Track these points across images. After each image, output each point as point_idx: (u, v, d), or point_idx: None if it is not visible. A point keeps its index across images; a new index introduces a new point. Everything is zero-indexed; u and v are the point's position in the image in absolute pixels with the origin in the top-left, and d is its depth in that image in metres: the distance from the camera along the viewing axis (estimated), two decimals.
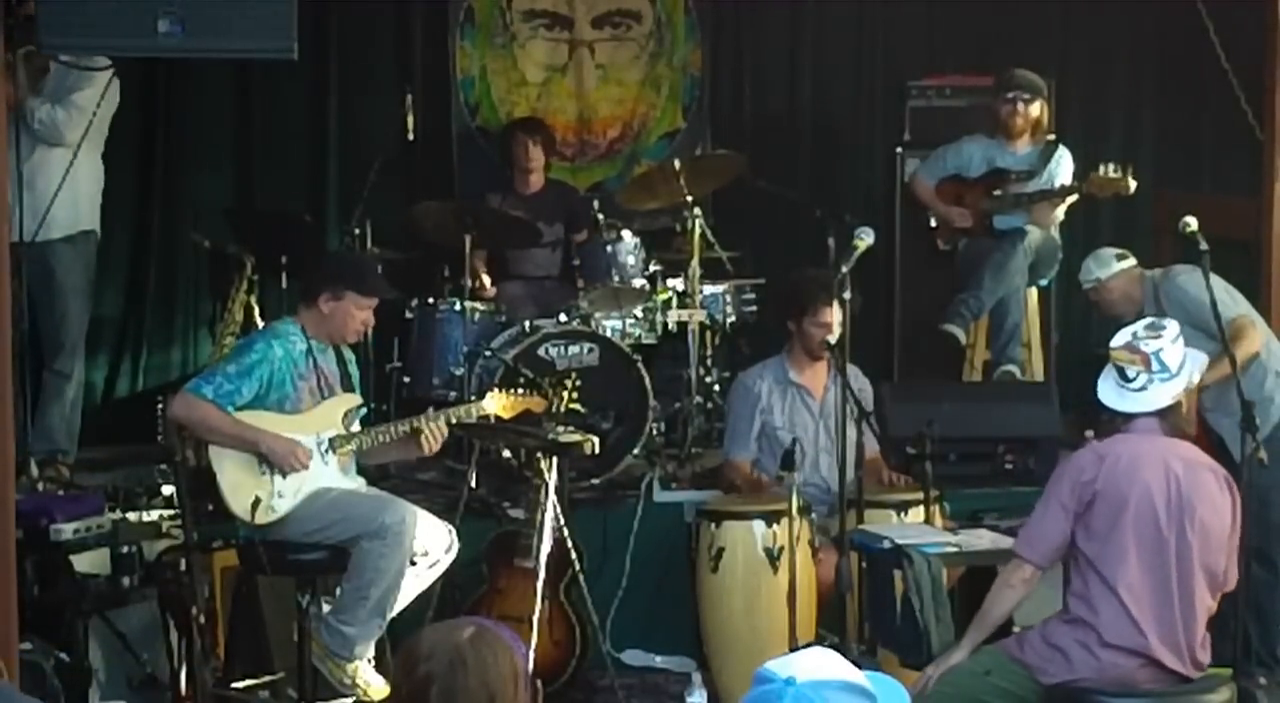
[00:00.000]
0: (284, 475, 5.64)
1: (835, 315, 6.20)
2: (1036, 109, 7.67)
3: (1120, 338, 4.93)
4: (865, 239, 5.83)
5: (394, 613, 5.70)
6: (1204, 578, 4.84)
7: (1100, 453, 4.87)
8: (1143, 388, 4.87)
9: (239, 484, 5.60)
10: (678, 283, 7.45)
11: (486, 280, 7.75)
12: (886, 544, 5.40)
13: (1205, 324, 5.84)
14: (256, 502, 5.57)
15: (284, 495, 5.64)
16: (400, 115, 7.42)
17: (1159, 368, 4.87)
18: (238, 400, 5.60)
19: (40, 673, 5.40)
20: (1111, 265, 6.48)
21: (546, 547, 5.92)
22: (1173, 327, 4.94)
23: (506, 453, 6.84)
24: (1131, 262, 6.52)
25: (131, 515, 6.42)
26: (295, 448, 5.66)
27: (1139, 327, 4.96)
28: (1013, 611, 5.06)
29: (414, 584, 5.75)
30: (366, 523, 5.62)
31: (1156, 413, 4.90)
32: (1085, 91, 8.75)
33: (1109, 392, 4.94)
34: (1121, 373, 4.89)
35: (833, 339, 6.26)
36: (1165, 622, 4.77)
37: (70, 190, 6.72)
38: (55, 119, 6.69)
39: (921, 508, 5.94)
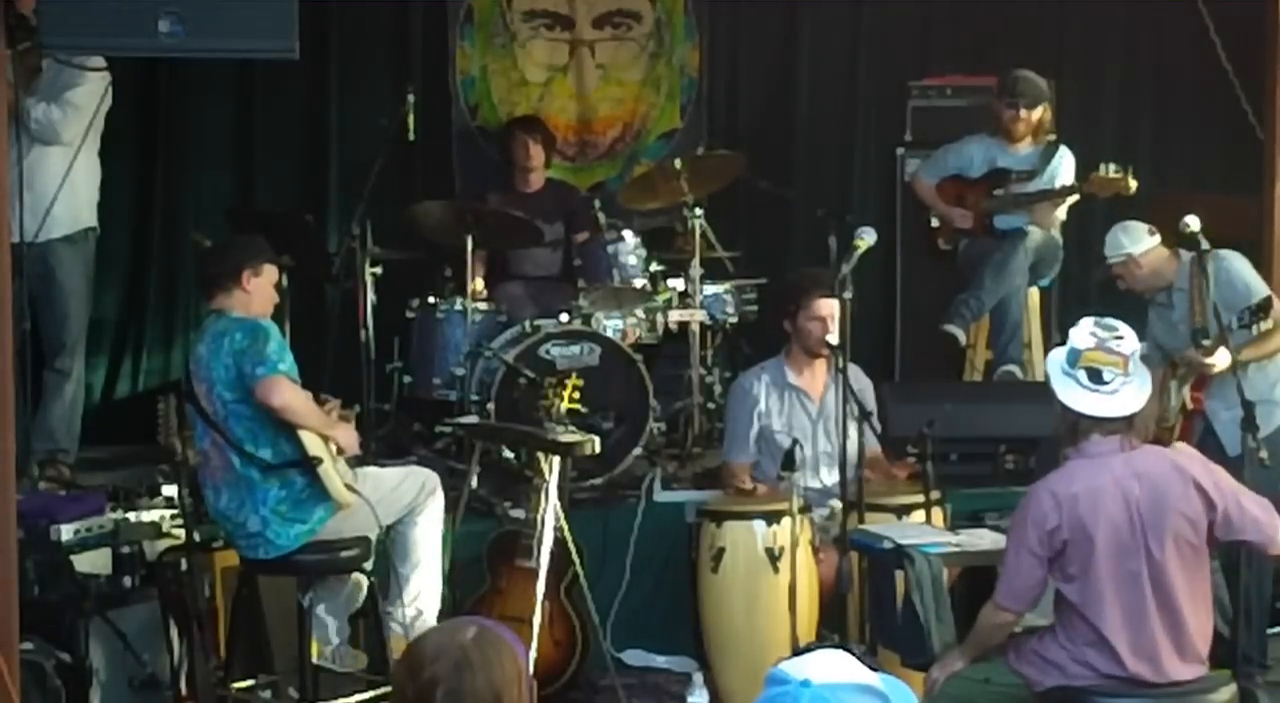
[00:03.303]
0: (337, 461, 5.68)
1: (832, 309, 6.20)
2: (1039, 113, 7.67)
3: (1086, 340, 4.77)
4: (866, 239, 5.84)
5: None
6: (1195, 577, 4.82)
7: (1057, 496, 4.75)
8: (1115, 391, 4.75)
9: (334, 473, 5.60)
10: (678, 283, 7.45)
11: (479, 283, 7.73)
12: (887, 544, 5.40)
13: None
14: (348, 486, 5.63)
15: (345, 478, 5.69)
16: (400, 115, 7.42)
17: (1135, 370, 4.78)
18: (294, 375, 5.60)
19: (41, 673, 5.40)
20: (1144, 240, 6.34)
21: (547, 547, 5.93)
22: (1126, 328, 4.85)
23: (507, 453, 6.84)
24: (1159, 238, 6.39)
25: (132, 516, 6.40)
26: (355, 433, 5.73)
27: (1096, 327, 4.81)
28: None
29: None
30: (414, 490, 5.82)
31: (1124, 419, 4.78)
32: (1085, 91, 8.74)
33: (1074, 394, 4.77)
34: (1096, 376, 4.74)
35: (833, 339, 6.26)
36: (1143, 644, 4.74)
37: (69, 189, 6.73)
38: (51, 118, 6.69)
39: (922, 513, 5.94)
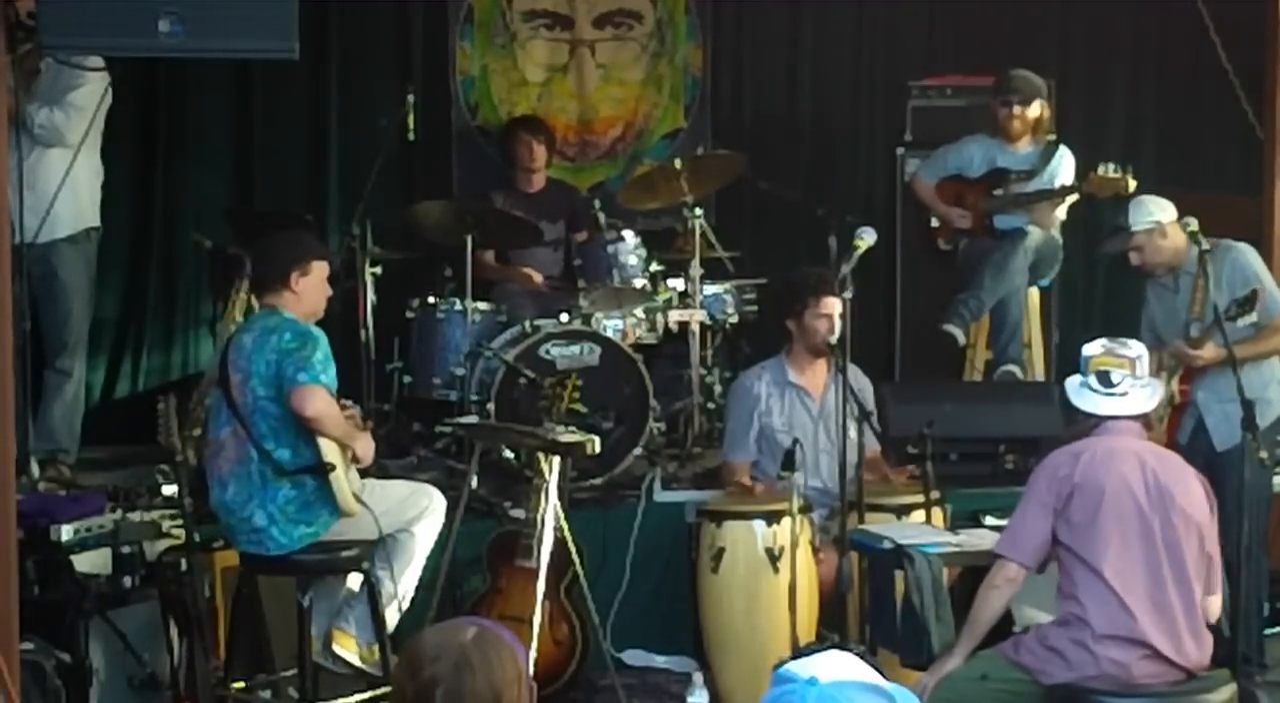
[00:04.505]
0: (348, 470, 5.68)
1: (837, 307, 6.20)
2: (1035, 110, 7.66)
3: (1095, 349, 5.07)
4: (866, 239, 5.85)
5: None
6: (1200, 567, 4.87)
7: (1075, 451, 4.97)
8: (1124, 393, 4.99)
9: (344, 480, 5.59)
10: (678, 283, 7.45)
11: (536, 276, 7.79)
12: (887, 544, 5.41)
13: None
14: (356, 496, 5.62)
15: (354, 487, 5.69)
16: (400, 115, 7.42)
17: (1140, 373, 5.02)
18: (334, 389, 5.59)
19: (41, 673, 5.40)
20: (1171, 211, 6.28)
21: (547, 547, 5.92)
22: (1134, 341, 5.12)
23: (508, 453, 6.84)
24: None
25: (132, 515, 6.40)
26: (373, 444, 5.72)
27: (1105, 341, 5.11)
28: (1001, 612, 5.06)
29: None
30: (417, 507, 5.79)
31: (1136, 416, 5.02)
32: (1085, 91, 8.75)
33: (1086, 398, 5.03)
34: (1104, 378, 4.99)
35: (833, 338, 6.26)
36: (1159, 606, 4.79)
37: (71, 189, 6.73)
38: (55, 122, 6.69)
39: (922, 513, 5.94)
